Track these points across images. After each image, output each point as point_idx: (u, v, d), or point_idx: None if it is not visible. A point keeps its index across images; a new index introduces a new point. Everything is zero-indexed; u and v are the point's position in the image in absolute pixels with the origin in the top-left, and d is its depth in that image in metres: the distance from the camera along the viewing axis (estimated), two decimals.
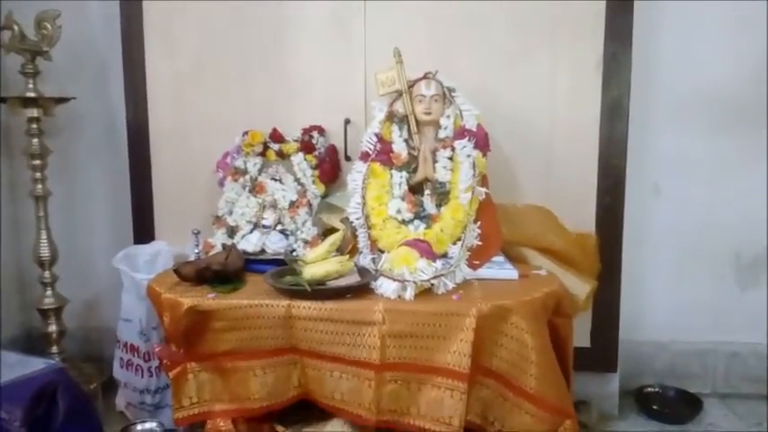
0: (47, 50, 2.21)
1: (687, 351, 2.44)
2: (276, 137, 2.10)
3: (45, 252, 2.30)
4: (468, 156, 1.83)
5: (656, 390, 2.37)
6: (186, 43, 2.20)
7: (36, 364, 1.78)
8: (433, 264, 1.68)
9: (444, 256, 1.76)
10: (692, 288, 2.40)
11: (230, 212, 2.03)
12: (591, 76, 2.07)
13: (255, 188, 2.04)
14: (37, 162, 2.26)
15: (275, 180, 2.06)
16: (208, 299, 1.65)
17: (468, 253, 1.79)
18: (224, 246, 1.95)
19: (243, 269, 1.84)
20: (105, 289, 2.51)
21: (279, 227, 1.99)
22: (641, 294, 2.37)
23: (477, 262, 1.81)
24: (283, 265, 1.81)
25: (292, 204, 2.00)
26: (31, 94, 2.20)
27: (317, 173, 2.05)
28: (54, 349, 2.34)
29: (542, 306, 1.66)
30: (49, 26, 2.20)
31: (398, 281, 1.63)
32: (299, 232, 1.97)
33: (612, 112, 2.08)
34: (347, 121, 2.12)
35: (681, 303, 2.41)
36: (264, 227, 1.99)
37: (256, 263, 1.90)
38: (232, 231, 2.00)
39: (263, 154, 2.09)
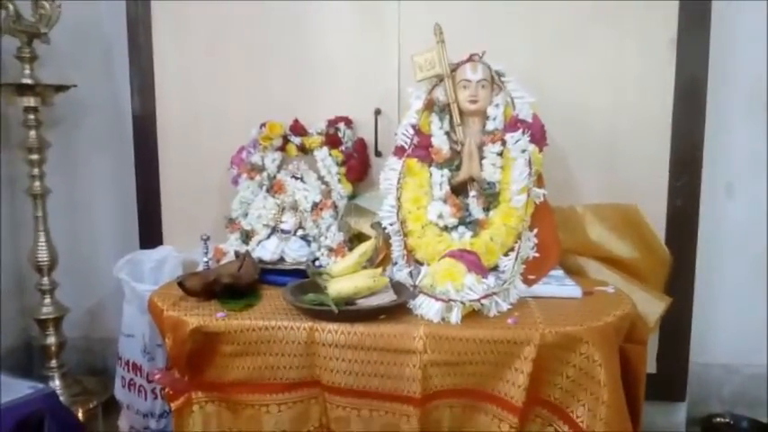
0: (45, 32, 2.07)
1: (759, 374, 2.19)
2: (297, 129, 1.94)
3: (43, 256, 2.15)
4: (523, 151, 1.59)
5: (727, 420, 2.12)
6: (198, 25, 2.05)
7: (22, 389, 1.62)
8: (484, 280, 1.43)
9: (494, 269, 1.52)
10: (765, 303, 2.15)
11: (245, 214, 1.86)
12: (662, 59, 1.85)
13: (274, 187, 1.87)
14: (34, 156, 2.11)
15: (296, 178, 1.89)
16: (217, 318, 1.44)
17: (523, 266, 1.55)
18: (237, 253, 1.76)
19: (258, 281, 1.65)
20: (109, 296, 2.34)
21: (300, 232, 1.80)
22: (709, 311, 2.12)
23: (532, 277, 1.57)
24: (304, 277, 1.60)
25: (315, 206, 1.82)
26: (28, 81, 2.05)
27: (343, 170, 1.90)
28: (53, 362, 2.19)
29: (615, 332, 1.41)
30: (47, 5, 2.05)
31: (442, 300, 1.39)
32: (322, 238, 1.77)
33: (687, 101, 1.86)
34: (378, 111, 1.95)
35: (753, 321, 2.17)
36: (283, 231, 1.80)
37: (274, 273, 1.71)
38: (247, 236, 1.83)
39: (282, 148, 1.93)
